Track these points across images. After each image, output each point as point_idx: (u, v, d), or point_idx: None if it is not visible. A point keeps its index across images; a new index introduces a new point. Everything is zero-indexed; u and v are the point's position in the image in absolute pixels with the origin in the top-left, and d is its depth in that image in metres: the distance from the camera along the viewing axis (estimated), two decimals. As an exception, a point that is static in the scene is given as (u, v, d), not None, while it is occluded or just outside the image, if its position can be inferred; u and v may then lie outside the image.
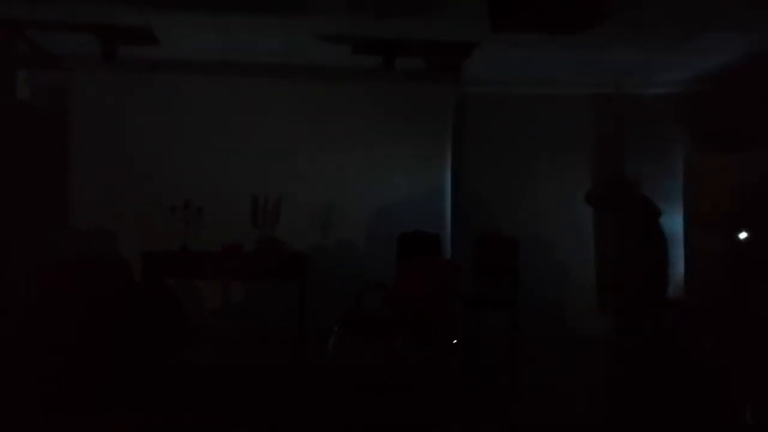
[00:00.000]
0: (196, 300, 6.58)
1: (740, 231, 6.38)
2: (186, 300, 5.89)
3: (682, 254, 7.17)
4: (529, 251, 6.74)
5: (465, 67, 6.67)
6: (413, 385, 5.03)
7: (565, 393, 5.02)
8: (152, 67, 6.73)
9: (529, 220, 7.16)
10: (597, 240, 7.49)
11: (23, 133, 6.61)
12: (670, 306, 6.84)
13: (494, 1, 4.42)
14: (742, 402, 4.52)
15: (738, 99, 6.90)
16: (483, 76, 7.06)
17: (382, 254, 6.57)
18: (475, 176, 7.31)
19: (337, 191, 6.87)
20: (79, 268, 5.36)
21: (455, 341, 5.75)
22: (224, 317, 6.58)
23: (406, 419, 4.27)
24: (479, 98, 7.34)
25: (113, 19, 5.55)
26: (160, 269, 5.98)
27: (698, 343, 6.08)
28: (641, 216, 6.66)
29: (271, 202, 6.19)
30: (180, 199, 6.12)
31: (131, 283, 5.37)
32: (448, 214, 7.11)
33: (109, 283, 5.15)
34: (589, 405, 4.82)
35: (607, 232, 7.14)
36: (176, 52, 6.52)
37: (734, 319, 5.97)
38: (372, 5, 5.17)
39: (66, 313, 4.88)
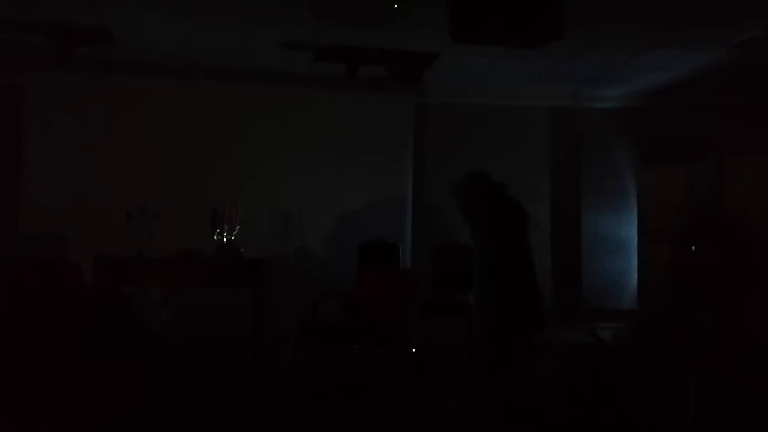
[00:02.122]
0: (152, 306, 6.47)
1: (690, 241, 6.54)
2: (141, 306, 5.79)
3: (635, 265, 7.34)
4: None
5: (426, 77, 6.74)
6: (368, 390, 5.04)
7: (519, 400, 5.08)
8: (109, 68, 6.61)
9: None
10: (552, 249, 7.61)
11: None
12: (625, 315, 6.98)
13: (455, 13, 4.49)
14: (696, 405, 4.63)
15: (686, 113, 7.11)
16: (444, 86, 7.15)
17: (343, 262, 6.56)
18: (435, 186, 7.36)
19: (297, 199, 6.84)
20: (27, 271, 5.24)
21: (413, 350, 5.77)
22: (180, 323, 6.48)
23: (362, 423, 4.27)
24: (440, 108, 7.41)
25: (69, 17, 5.44)
26: (113, 274, 5.85)
27: (653, 350, 6.20)
28: (507, 219, 6.15)
29: (230, 208, 6.13)
30: (136, 203, 6.02)
31: (81, 287, 5.26)
32: (408, 223, 7.15)
33: (58, 286, 5.04)
34: (542, 412, 4.87)
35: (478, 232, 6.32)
36: (135, 54, 6.43)
37: (686, 326, 6.11)
38: (335, 14, 5.19)
39: (12, 315, 4.77)
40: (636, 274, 7.37)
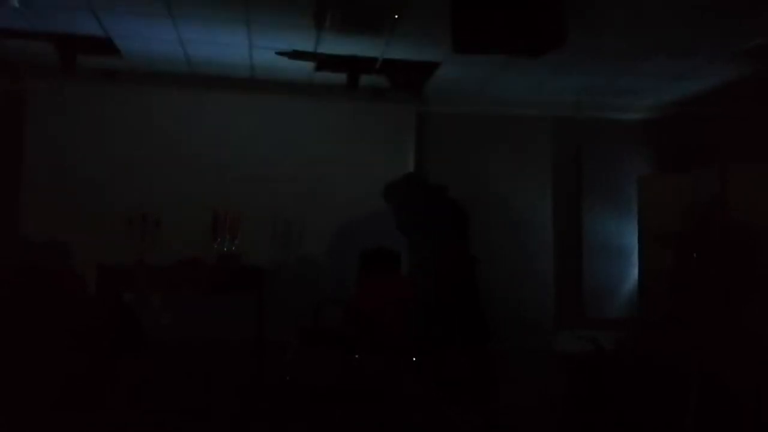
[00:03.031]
0: (153, 313, 6.48)
1: (692, 249, 6.54)
2: (142, 313, 5.80)
3: (636, 272, 7.34)
4: (489, 269, 6.82)
5: (427, 86, 6.76)
6: (369, 397, 5.05)
7: (520, 406, 5.09)
8: (111, 77, 6.64)
9: (489, 239, 7.25)
10: (556, 256, 7.62)
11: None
12: (626, 322, 6.98)
13: (457, 23, 4.50)
14: (695, 411, 4.63)
15: (688, 122, 7.13)
16: (445, 95, 7.16)
17: (344, 270, 6.56)
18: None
19: (298, 207, 6.85)
20: (29, 277, 5.25)
21: (414, 359, 5.78)
22: (181, 331, 6.49)
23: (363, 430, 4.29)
24: (441, 117, 7.42)
25: (72, 27, 5.47)
26: (115, 282, 5.87)
27: (652, 358, 6.21)
28: (445, 222, 5.96)
29: (232, 215, 6.14)
30: (138, 211, 6.04)
31: (83, 294, 5.28)
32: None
33: (61, 293, 5.05)
34: (543, 419, 4.88)
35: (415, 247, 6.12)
36: (137, 64, 6.45)
37: (686, 334, 6.11)
38: (337, 24, 5.21)
39: (14, 322, 4.78)
40: (637, 281, 7.37)
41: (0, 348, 4.63)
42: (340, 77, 6.39)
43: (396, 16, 4.96)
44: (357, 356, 5.53)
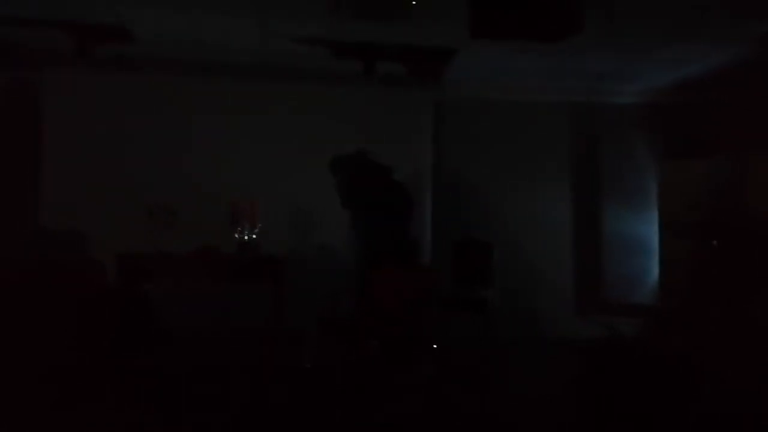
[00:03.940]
0: (172, 303, 6.51)
1: (712, 237, 6.48)
2: (162, 303, 5.83)
3: (656, 261, 7.28)
4: (506, 255, 6.80)
5: (445, 72, 6.72)
6: (389, 386, 5.04)
7: (538, 394, 5.07)
8: (126, 66, 6.65)
9: (507, 224, 7.23)
10: (574, 242, 7.58)
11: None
12: (645, 311, 6.93)
13: (474, 8, 4.47)
14: (713, 402, 4.59)
15: (709, 107, 7.03)
16: (462, 81, 7.12)
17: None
18: (454, 181, 7.35)
19: (316, 195, 6.84)
20: (50, 268, 5.29)
21: (434, 346, 5.78)
22: (200, 320, 6.52)
23: (382, 420, 4.28)
24: (458, 103, 7.38)
25: (86, 14, 5.48)
26: (134, 271, 5.90)
27: (671, 346, 6.16)
28: (388, 205, 5.84)
29: (250, 205, 6.15)
30: (157, 201, 6.06)
31: (103, 284, 5.32)
32: (428, 219, 7.13)
33: (81, 283, 5.09)
34: (561, 406, 4.86)
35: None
36: (152, 52, 6.45)
37: (707, 323, 6.06)
38: (353, 9, 5.18)
39: (35, 312, 4.82)
40: (656, 270, 7.31)
41: (19, 339, 4.69)
42: (356, 64, 6.36)
43: (413, 2, 4.92)
44: (376, 343, 5.54)
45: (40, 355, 4.61)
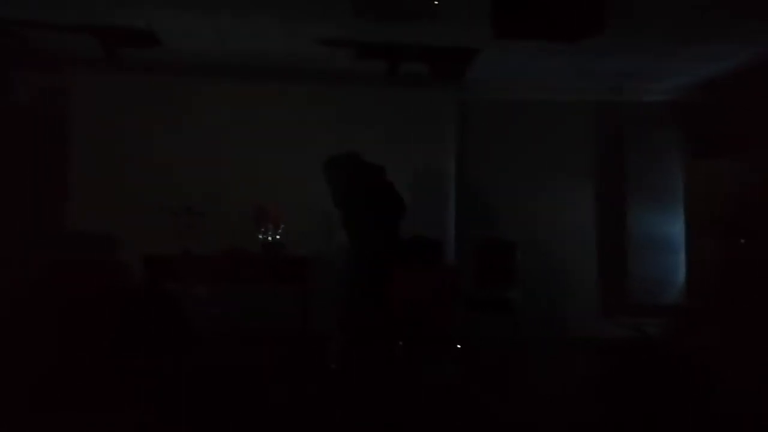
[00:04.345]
0: (198, 304, 6.58)
1: (740, 236, 6.39)
2: (187, 304, 5.90)
3: (683, 260, 7.20)
4: (530, 255, 6.78)
5: (467, 72, 6.70)
6: (413, 388, 5.05)
7: (562, 395, 5.04)
8: (154, 69, 6.74)
9: (531, 223, 7.20)
10: (599, 242, 7.52)
11: (22, 135, 6.63)
12: (672, 311, 6.86)
13: (497, 7, 4.45)
14: (738, 404, 4.54)
15: (736, 105, 6.94)
16: (485, 82, 7.10)
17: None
18: (478, 181, 7.34)
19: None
20: (78, 270, 5.37)
21: (459, 346, 5.78)
22: (226, 321, 6.58)
23: (407, 422, 4.28)
24: (481, 103, 7.37)
25: (114, 20, 5.56)
26: (161, 273, 5.98)
27: (698, 347, 6.09)
28: (378, 206, 5.85)
29: (274, 206, 6.19)
30: (182, 202, 6.13)
31: (130, 285, 5.38)
32: (451, 219, 7.13)
33: (108, 285, 5.16)
34: (586, 407, 4.83)
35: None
36: (178, 55, 6.52)
37: (734, 323, 5.98)
38: (376, 10, 5.19)
39: (62, 312, 4.89)
40: (684, 269, 7.23)
41: (48, 339, 4.77)
42: (379, 65, 6.37)
43: (435, 2, 4.92)
44: (400, 343, 5.55)
45: (67, 355, 4.68)
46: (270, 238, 6.10)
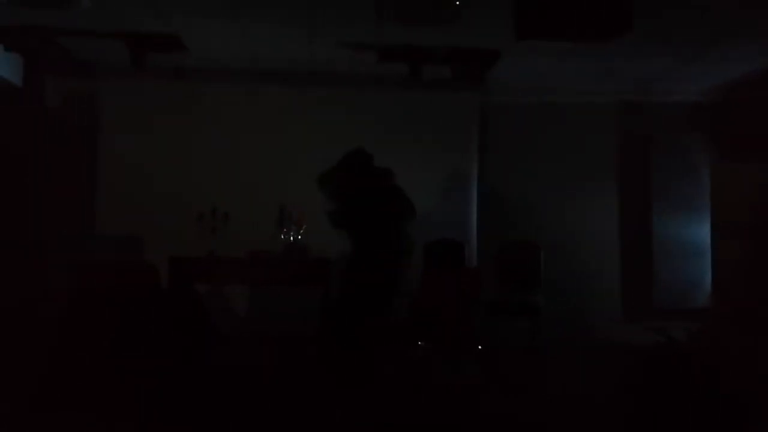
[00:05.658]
0: (223, 305, 6.63)
1: (766, 238, 6.31)
2: (213, 305, 5.95)
3: (709, 264, 7.12)
4: (554, 258, 6.74)
5: (490, 75, 6.70)
6: (435, 391, 5.04)
7: (587, 399, 5.00)
8: (180, 75, 6.84)
9: (555, 226, 7.16)
10: (624, 245, 7.46)
11: (52, 139, 6.78)
12: (698, 315, 6.78)
13: (520, 9, 4.45)
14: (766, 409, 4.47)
15: (763, 107, 6.85)
16: (508, 84, 7.09)
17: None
18: (501, 184, 7.32)
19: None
20: (105, 271, 5.43)
21: (480, 347, 5.76)
22: (250, 323, 6.63)
23: (428, 424, 4.28)
24: (504, 106, 7.36)
25: (142, 26, 5.65)
26: (187, 274, 6.03)
27: (724, 351, 6.01)
28: (387, 212, 5.51)
29: (298, 208, 6.23)
30: (207, 205, 6.20)
31: (157, 287, 5.44)
32: (474, 222, 7.12)
33: (135, 286, 5.21)
34: (608, 412, 4.78)
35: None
36: (204, 60, 6.61)
37: (761, 327, 5.89)
38: (398, 13, 5.21)
39: (91, 314, 4.95)
40: (710, 273, 7.14)
41: (74, 341, 4.84)
42: (401, 68, 6.39)
43: (457, 3, 4.93)
44: (420, 344, 5.55)
45: (95, 355, 4.74)
46: (292, 239, 6.13)
